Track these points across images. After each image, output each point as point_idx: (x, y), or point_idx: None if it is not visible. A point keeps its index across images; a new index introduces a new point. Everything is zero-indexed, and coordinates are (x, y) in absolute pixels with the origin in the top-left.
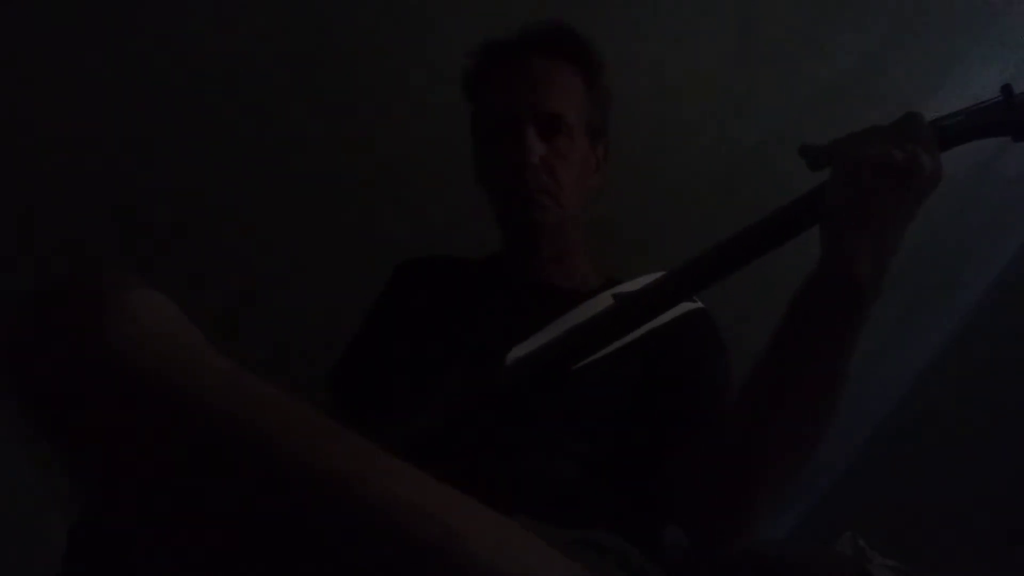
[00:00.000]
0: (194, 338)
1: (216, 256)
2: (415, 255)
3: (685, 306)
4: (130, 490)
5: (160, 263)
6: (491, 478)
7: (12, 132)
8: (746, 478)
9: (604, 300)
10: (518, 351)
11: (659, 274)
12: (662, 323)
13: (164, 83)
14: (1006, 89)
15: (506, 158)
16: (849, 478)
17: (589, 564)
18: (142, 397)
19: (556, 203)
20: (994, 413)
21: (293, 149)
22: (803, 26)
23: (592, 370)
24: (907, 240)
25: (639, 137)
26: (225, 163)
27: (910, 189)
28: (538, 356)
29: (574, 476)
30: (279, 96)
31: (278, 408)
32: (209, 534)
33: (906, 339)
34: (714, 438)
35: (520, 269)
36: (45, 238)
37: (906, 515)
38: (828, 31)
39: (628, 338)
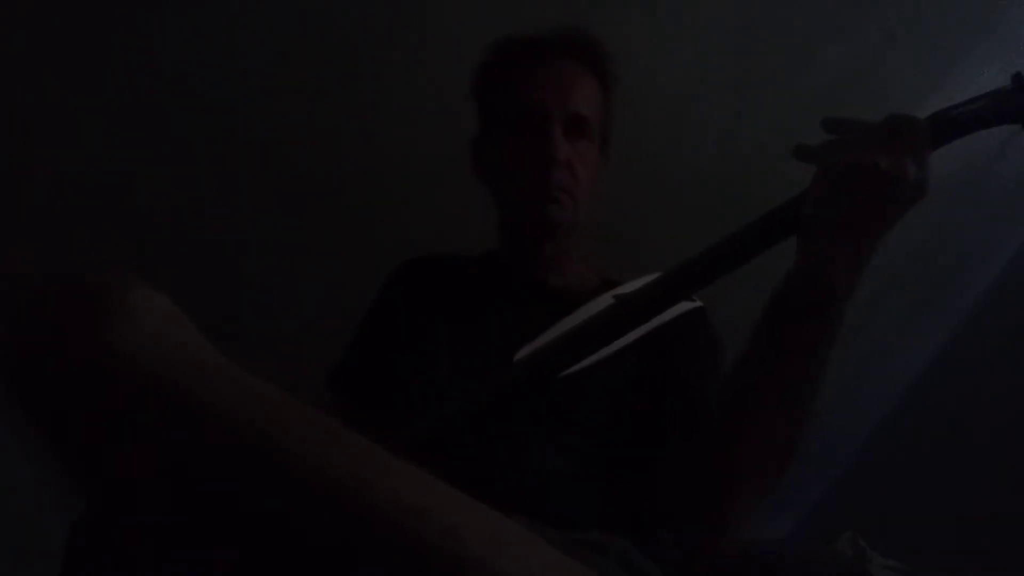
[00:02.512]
0: (194, 339)
1: (216, 256)
2: (414, 255)
3: (683, 305)
4: (130, 492)
5: (159, 263)
6: (487, 474)
7: (13, 132)
8: (723, 481)
9: (605, 300)
10: (526, 350)
11: (656, 274)
12: (660, 322)
13: (164, 83)
14: (1017, 78)
15: (530, 153)
16: (849, 478)
17: (590, 564)
18: (142, 398)
19: (573, 203)
20: (994, 413)
21: (292, 150)
22: (803, 26)
23: (589, 368)
24: (907, 240)
25: (638, 137)
26: (224, 163)
27: (893, 198)
28: (544, 354)
29: (570, 472)
30: (277, 97)
31: (278, 409)
32: (210, 536)
33: (906, 339)
34: (695, 440)
35: (519, 268)
36: (45, 238)
37: (906, 515)
38: (828, 31)
39: (626, 337)
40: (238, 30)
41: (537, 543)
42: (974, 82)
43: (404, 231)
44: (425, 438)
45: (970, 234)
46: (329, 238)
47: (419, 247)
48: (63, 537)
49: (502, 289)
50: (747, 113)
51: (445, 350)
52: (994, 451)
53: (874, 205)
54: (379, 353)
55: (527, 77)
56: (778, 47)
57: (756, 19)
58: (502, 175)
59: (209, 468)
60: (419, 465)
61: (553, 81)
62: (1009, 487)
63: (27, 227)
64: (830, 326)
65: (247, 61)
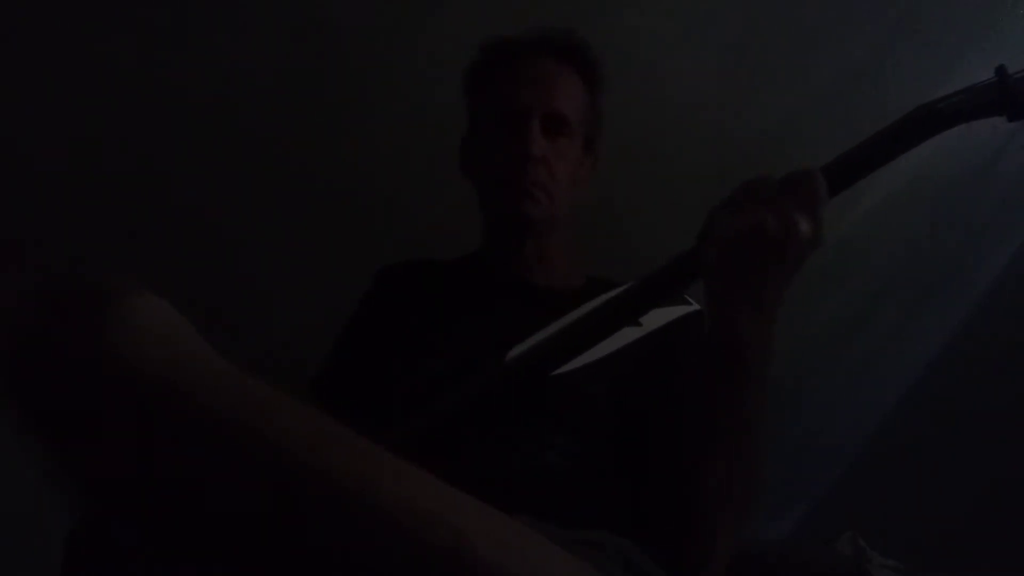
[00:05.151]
0: (196, 343)
1: (216, 257)
2: (404, 258)
3: (681, 309)
4: (132, 498)
5: (160, 264)
6: (486, 473)
7: (13, 133)
8: (689, 528)
9: (595, 302)
10: (518, 349)
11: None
12: (658, 326)
13: (163, 85)
14: (1000, 70)
15: (507, 149)
16: (849, 478)
17: (593, 564)
18: (144, 403)
19: (549, 199)
20: (994, 413)
21: (291, 150)
22: (803, 26)
23: (589, 369)
24: (908, 239)
25: (639, 136)
26: (224, 164)
27: (784, 256)
28: (535, 353)
29: (570, 471)
30: (277, 98)
31: (284, 412)
32: (214, 541)
33: (907, 338)
34: (665, 482)
35: (503, 268)
36: (45, 240)
37: (906, 515)
38: (829, 31)
39: (624, 341)
40: (236, 32)
41: (546, 546)
42: (973, 82)
43: (404, 232)
44: (419, 439)
45: (970, 234)
46: (328, 238)
47: (418, 248)
48: (63, 539)
49: (486, 288)
50: (747, 112)
51: (431, 350)
52: (994, 451)
53: (766, 265)
54: (365, 357)
55: (508, 75)
56: (778, 47)
57: (756, 19)
58: (482, 172)
59: (212, 473)
60: (419, 467)
61: (533, 79)
62: (1009, 487)
63: (27, 227)
64: (749, 374)
65: (247, 61)
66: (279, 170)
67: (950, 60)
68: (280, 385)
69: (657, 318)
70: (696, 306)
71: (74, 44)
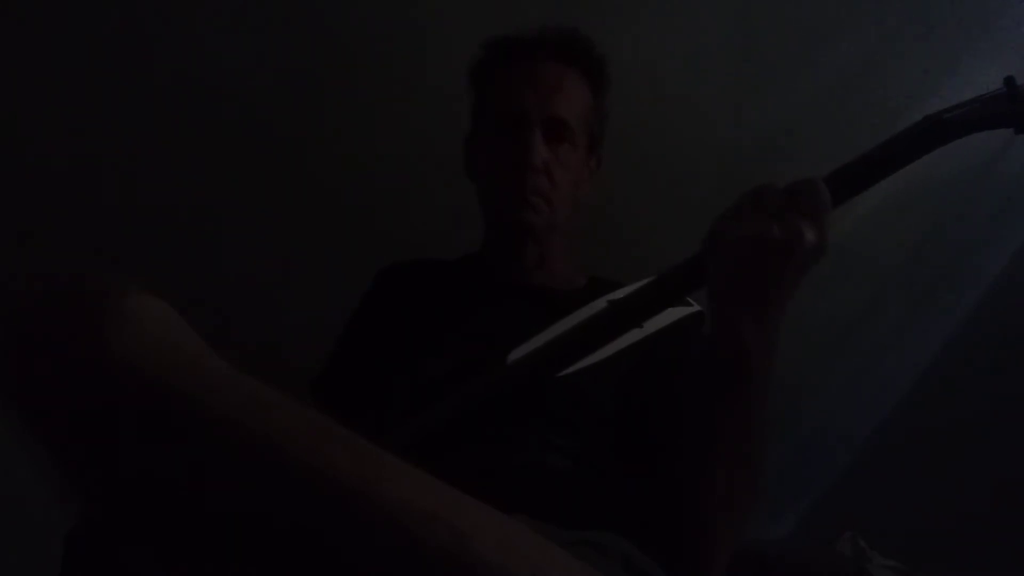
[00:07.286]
0: (195, 344)
1: (215, 256)
2: (403, 258)
3: (683, 310)
4: (132, 499)
5: (156, 266)
6: (486, 472)
7: (13, 133)
8: (690, 529)
9: (599, 304)
10: (519, 351)
11: (650, 277)
12: (659, 327)
13: (164, 83)
14: (1009, 81)
15: (508, 156)
16: (849, 478)
17: (591, 563)
18: (143, 404)
19: (548, 207)
20: (994, 413)
21: (291, 150)
22: (803, 26)
23: (586, 371)
24: (908, 239)
25: (639, 137)
26: (224, 163)
27: (789, 264)
28: (538, 356)
29: (570, 471)
30: (277, 97)
31: (283, 413)
32: (214, 541)
33: (906, 339)
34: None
35: (504, 271)
36: (45, 240)
37: (906, 515)
38: (829, 31)
39: (624, 342)
40: (237, 30)
41: (546, 546)
42: (973, 82)
43: (404, 232)
44: (419, 439)
45: (970, 234)
46: (329, 238)
47: (418, 248)
48: (63, 538)
49: (487, 289)
50: (747, 112)
51: (432, 351)
52: (994, 451)
53: (771, 273)
54: (365, 357)
55: (510, 79)
56: (778, 46)
57: (756, 18)
58: (483, 176)
59: (212, 474)
60: (416, 462)
61: (535, 84)
62: (1009, 487)
63: (27, 227)
64: (751, 381)
65: (247, 60)
66: (279, 170)
67: (950, 60)
68: (280, 385)
69: (658, 320)
70: (697, 307)
71: (74, 44)
